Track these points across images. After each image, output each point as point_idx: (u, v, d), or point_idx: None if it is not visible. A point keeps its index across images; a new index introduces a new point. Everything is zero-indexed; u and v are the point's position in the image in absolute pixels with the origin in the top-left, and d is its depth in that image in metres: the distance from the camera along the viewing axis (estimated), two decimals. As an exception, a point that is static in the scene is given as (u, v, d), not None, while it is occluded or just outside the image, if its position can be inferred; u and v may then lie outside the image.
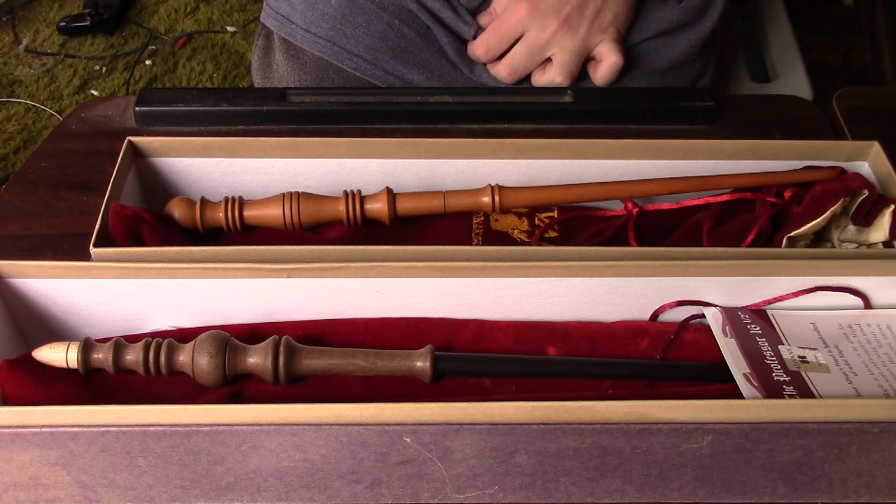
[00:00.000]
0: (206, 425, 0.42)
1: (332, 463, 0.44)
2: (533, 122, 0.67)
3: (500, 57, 0.72)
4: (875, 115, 0.69)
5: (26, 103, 1.58)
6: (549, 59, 0.71)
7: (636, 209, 0.58)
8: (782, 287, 0.52)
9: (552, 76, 0.71)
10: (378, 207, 0.56)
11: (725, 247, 0.53)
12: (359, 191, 0.56)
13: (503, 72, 0.72)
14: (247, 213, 0.56)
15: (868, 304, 0.53)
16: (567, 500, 0.46)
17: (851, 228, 0.57)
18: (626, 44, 0.73)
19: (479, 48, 0.72)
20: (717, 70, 0.82)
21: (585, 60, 0.72)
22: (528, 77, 0.73)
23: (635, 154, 0.58)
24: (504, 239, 0.58)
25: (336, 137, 0.58)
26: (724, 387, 0.49)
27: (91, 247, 0.50)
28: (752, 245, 0.55)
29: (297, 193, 0.56)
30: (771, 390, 0.47)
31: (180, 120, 0.66)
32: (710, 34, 0.76)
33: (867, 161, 0.59)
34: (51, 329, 0.53)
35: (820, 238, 0.58)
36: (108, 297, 0.51)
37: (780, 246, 0.55)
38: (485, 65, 0.73)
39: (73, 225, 0.61)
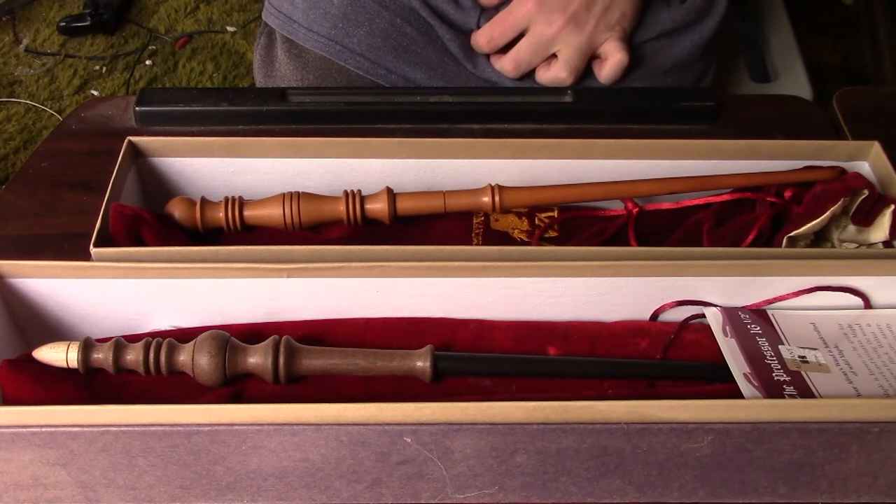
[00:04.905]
0: (206, 425, 0.42)
1: (332, 463, 0.44)
2: (533, 122, 0.67)
3: (504, 50, 0.72)
4: (875, 115, 0.69)
5: (26, 103, 1.58)
6: (553, 55, 0.71)
7: (636, 209, 0.58)
8: (782, 287, 0.52)
9: (556, 72, 0.71)
10: (378, 207, 0.56)
11: (725, 247, 0.53)
12: (359, 191, 0.56)
13: (507, 66, 0.72)
14: (247, 213, 0.56)
15: (868, 304, 0.53)
16: (567, 500, 0.46)
17: (851, 228, 0.57)
18: (630, 43, 0.73)
19: (482, 38, 0.72)
20: (718, 70, 0.82)
21: (590, 58, 0.72)
22: (531, 73, 0.73)
23: (635, 154, 0.58)
24: (504, 239, 0.58)
25: (336, 137, 0.58)
26: (725, 387, 0.49)
27: (91, 247, 0.50)
28: (752, 245, 0.55)
29: (298, 193, 0.56)
30: (771, 390, 0.47)
31: (180, 120, 0.66)
32: (712, 35, 0.76)
33: (867, 161, 0.59)
34: (51, 329, 0.53)
35: (820, 238, 0.58)
36: (108, 297, 0.51)
37: (780, 246, 0.55)
38: (489, 60, 0.73)
39: (73, 225, 0.60)
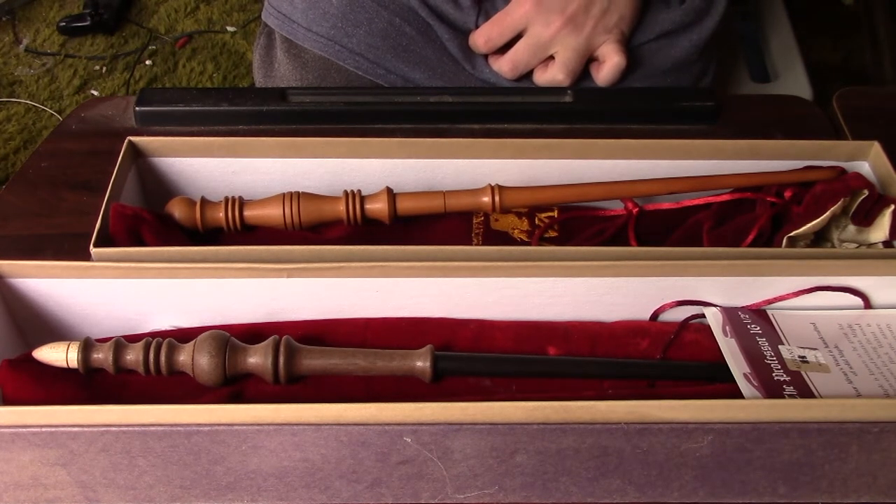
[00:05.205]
0: (206, 425, 0.42)
1: (332, 463, 0.44)
2: (533, 122, 0.67)
3: (501, 51, 0.72)
4: (875, 115, 0.69)
5: (26, 103, 1.58)
6: (551, 57, 0.71)
7: (636, 209, 0.58)
8: (782, 287, 0.52)
9: (554, 74, 0.71)
10: (378, 207, 0.56)
11: (725, 247, 0.53)
12: (359, 191, 0.56)
13: (505, 67, 0.72)
14: (247, 213, 0.56)
15: (868, 304, 0.53)
16: (567, 500, 0.46)
17: (851, 228, 0.57)
18: (628, 45, 0.73)
19: (480, 38, 0.72)
20: (718, 70, 0.82)
21: (588, 60, 0.72)
22: (529, 74, 0.73)
23: (635, 154, 0.58)
24: (504, 239, 0.58)
25: (336, 137, 0.58)
26: (725, 387, 0.49)
27: (91, 247, 0.50)
28: (752, 245, 0.55)
29: (298, 193, 0.56)
30: (771, 390, 0.47)
31: (180, 120, 0.66)
32: (711, 35, 0.76)
33: (867, 161, 0.59)
34: (51, 329, 0.53)
35: (820, 238, 0.58)
36: (108, 297, 0.51)
37: (780, 246, 0.55)
38: (487, 61, 0.73)
39: (73, 225, 0.60)
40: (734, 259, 0.51)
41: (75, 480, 0.45)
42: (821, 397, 0.47)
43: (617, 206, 0.60)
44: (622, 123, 0.68)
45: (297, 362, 0.49)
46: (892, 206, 0.55)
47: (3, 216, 0.61)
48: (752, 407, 0.44)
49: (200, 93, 0.67)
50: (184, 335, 0.50)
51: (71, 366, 0.48)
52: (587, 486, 0.46)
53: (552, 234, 0.59)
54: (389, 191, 0.56)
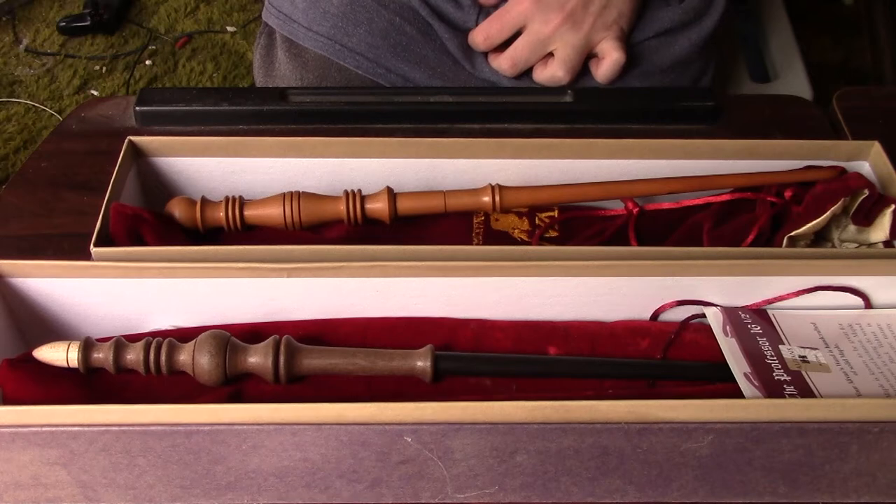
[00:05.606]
0: (206, 425, 0.42)
1: (332, 462, 0.44)
2: (533, 122, 0.67)
3: (501, 48, 0.72)
4: (875, 115, 0.69)
5: (26, 103, 1.58)
6: (550, 54, 0.71)
7: (636, 209, 0.58)
8: (783, 287, 0.52)
9: (553, 71, 0.71)
10: (378, 207, 0.56)
11: (726, 247, 0.53)
12: (359, 190, 0.56)
13: (504, 64, 0.72)
14: (247, 212, 0.56)
15: (868, 304, 0.53)
16: (567, 499, 0.46)
17: (852, 228, 0.57)
18: (628, 42, 0.73)
19: (479, 35, 0.72)
20: (717, 70, 0.82)
21: (587, 57, 0.72)
22: (529, 71, 0.73)
23: (635, 154, 0.58)
24: (504, 239, 0.58)
25: (336, 137, 0.58)
26: (725, 386, 0.49)
27: (91, 246, 0.50)
28: (752, 245, 0.55)
29: (298, 193, 0.56)
30: (771, 390, 0.47)
31: (181, 120, 0.66)
32: (711, 34, 0.76)
33: (867, 161, 0.59)
34: (51, 328, 0.53)
35: (820, 238, 0.58)
36: (109, 296, 0.51)
37: (780, 246, 0.55)
38: (486, 59, 0.73)
39: (73, 225, 0.60)
40: (734, 259, 0.51)
41: (75, 480, 0.45)
42: (821, 397, 0.47)
43: (617, 206, 0.60)
44: (622, 123, 0.68)
45: (298, 362, 0.49)
46: (893, 206, 0.55)
47: (3, 216, 0.61)
48: (752, 407, 0.44)
49: (200, 93, 0.67)
50: (184, 335, 0.50)
51: (71, 365, 0.48)
52: (587, 486, 0.46)
53: (552, 234, 0.59)
54: (390, 190, 0.56)
